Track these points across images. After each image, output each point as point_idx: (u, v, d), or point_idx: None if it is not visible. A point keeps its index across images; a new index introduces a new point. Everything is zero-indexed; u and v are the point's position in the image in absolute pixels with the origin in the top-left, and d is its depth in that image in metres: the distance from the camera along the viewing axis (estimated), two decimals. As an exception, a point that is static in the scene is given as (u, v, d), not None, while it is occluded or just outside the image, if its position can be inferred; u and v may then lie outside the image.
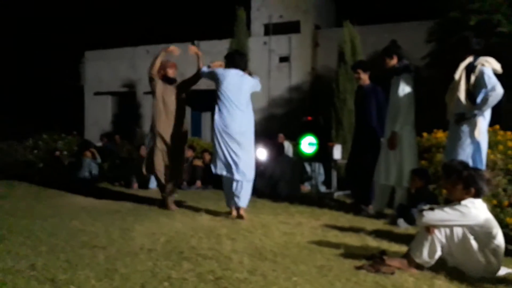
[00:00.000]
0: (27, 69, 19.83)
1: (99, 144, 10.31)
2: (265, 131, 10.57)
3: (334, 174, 6.47)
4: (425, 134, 5.88)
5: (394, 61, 4.60)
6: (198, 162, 7.75)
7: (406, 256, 2.81)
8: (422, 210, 2.79)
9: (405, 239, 3.47)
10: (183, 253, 3.01)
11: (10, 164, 9.18)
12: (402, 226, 4.03)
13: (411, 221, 3.96)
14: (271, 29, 13.48)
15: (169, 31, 16.26)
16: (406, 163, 4.49)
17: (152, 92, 5.08)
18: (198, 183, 7.39)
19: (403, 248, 3.16)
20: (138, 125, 12.28)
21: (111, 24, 19.10)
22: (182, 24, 17.97)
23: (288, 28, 13.36)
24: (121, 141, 9.96)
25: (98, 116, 15.85)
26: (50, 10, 19.60)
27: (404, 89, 4.47)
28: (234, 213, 4.49)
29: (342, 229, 3.96)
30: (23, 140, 9.79)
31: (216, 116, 4.52)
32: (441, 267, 2.75)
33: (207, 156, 7.87)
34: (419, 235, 2.82)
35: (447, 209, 2.74)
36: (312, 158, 6.43)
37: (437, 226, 2.72)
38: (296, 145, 6.74)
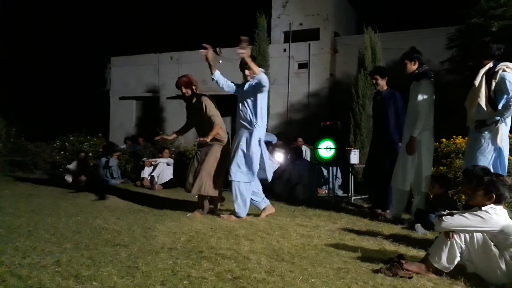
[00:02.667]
0: (57, 75, 20.45)
1: (124, 146, 10.55)
2: (284, 136, 10.60)
3: (351, 179, 6.46)
4: (444, 140, 5.83)
5: (415, 66, 4.57)
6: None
7: (425, 261, 2.79)
8: (441, 216, 2.77)
9: (423, 244, 3.46)
10: (202, 252, 3.05)
11: (38, 164, 9.49)
12: (420, 231, 4.00)
13: (429, 226, 3.94)
14: (291, 37, 13.56)
15: (192, 38, 16.52)
16: (424, 169, 4.45)
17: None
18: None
19: (421, 253, 3.15)
20: (161, 129, 12.55)
21: (136, 31, 19.56)
22: (205, 31, 18.23)
23: (308, 35, 13.41)
24: (145, 143, 10.16)
25: (123, 120, 16.18)
26: (78, 18, 20.19)
27: (424, 94, 4.43)
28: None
29: (359, 232, 3.96)
30: (51, 141, 10.08)
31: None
32: (460, 273, 2.71)
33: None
34: (438, 240, 2.80)
35: (467, 214, 2.71)
36: (329, 163, 6.42)
37: (457, 232, 2.70)
38: (314, 149, 6.75)
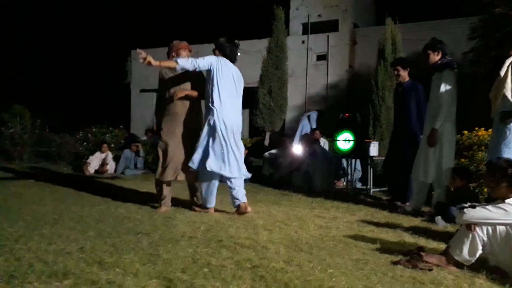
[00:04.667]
0: (80, 69, 20.86)
1: (144, 138, 10.71)
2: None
3: (370, 171, 6.41)
4: (465, 132, 5.72)
5: (438, 57, 4.48)
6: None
7: (445, 253, 2.76)
8: (463, 208, 2.74)
9: (443, 236, 3.42)
10: (222, 241, 3.09)
11: (62, 155, 9.74)
12: (440, 224, 3.96)
13: (449, 219, 3.89)
14: (309, 28, 13.44)
15: (210, 31, 16.59)
16: (445, 161, 4.39)
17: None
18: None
19: (441, 246, 3.12)
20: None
21: (156, 24, 19.75)
22: (223, 24, 18.25)
23: (326, 26, 13.28)
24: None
25: (144, 112, 16.40)
26: (100, 13, 20.49)
27: (447, 85, 4.34)
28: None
29: (378, 224, 3.94)
30: (74, 133, 10.31)
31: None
32: (482, 266, 2.67)
33: (244, 152, 8.04)
34: (459, 233, 2.77)
35: (490, 207, 2.67)
36: (348, 155, 6.38)
37: (479, 224, 2.67)
38: (332, 141, 6.73)
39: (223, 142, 4.11)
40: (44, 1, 21.80)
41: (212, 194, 4.28)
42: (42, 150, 10.31)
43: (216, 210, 4.37)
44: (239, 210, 4.18)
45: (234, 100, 4.34)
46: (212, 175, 4.20)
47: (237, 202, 4.19)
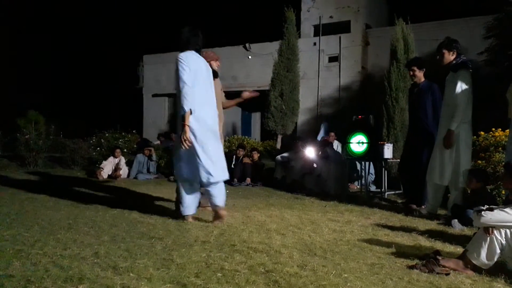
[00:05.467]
0: (92, 74, 21.17)
1: (157, 142, 10.80)
2: (315, 130, 10.54)
3: (384, 173, 6.34)
4: (482, 133, 5.62)
5: (453, 57, 4.41)
6: (247, 160, 7.97)
7: (462, 257, 2.71)
8: (480, 211, 2.68)
9: (460, 240, 3.36)
10: (235, 246, 3.08)
11: (76, 160, 9.87)
12: (457, 227, 3.89)
13: (466, 222, 3.83)
14: (321, 30, 13.41)
15: (221, 35, 16.70)
16: (462, 163, 4.31)
17: None
18: (248, 179, 7.61)
19: (458, 250, 3.07)
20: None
21: (167, 29, 19.92)
22: (234, 28, 18.35)
23: (338, 28, 13.23)
24: (177, 139, 10.31)
25: (156, 117, 16.57)
26: (111, 19, 20.77)
27: (462, 86, 4.27)
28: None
29: (393, 228, 3.89)
30: (88, 138, 10.44)
31: None
32: (500, 270, 2.62)
33: (255, 155, 8.11)
34: (477, 236, 2.72)
35: (508, 209, 2.61)
36: (362, 157, 6.32)
37: (497, 227, 2.61)
38: (346, 143, 6.68)
39: (196, 146, 3.80)
40: (57, 8, 22.21)
41: (188, 201, 4.01)
42: (56, 156, 10.47)
43: (228, 214, 4.35)
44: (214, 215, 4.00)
45: (209, 96, 4.00)
46: (187, 181, 4.00)
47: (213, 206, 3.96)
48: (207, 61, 4.28)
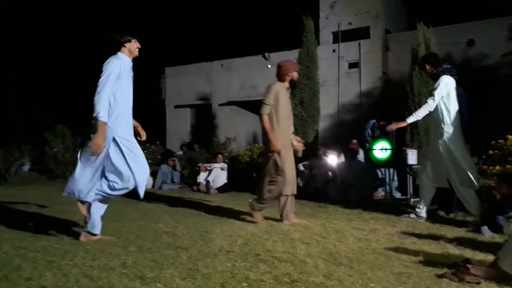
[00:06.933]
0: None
1: (180, 152, 10.94)
2: (336, 137, 10.45)
3: (410, 180, 6.23)
4: (510, 137, 5.47)
5: (432, 69, 4.72)
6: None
7: (493, 265, 2.64)
8: (511, 217, 2.61)
9: (491, 248, 3.26)
10: (259, 255, 3.09)
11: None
12: (487, 234, 3.79)
13: (496, 229, 3.72)
14: (340, 36, 13.37)
15: (240, 45, 16.88)
16: (462, 162, 4.45)
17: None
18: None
19: (489, 258, 2.98)
20: (214, 135, 12.95)
21: (188, 40, 20.31)
22: (253, 37, 18.51)
23: (357, 34, 13.16)
24: (200, 149, 10.43)
25: (178, 127, 16.79)
26: (133, 31, 21.30)
27: (437, 88, 4.53)
28: None
29: (420, 236, 3.81)
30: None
31: None
32: (534, 278, 2.54)
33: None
34: (508, 243, 2.64)
35: (540, 215, 2.54)
36: (385, 164, 6.23)
37: (529, 234, 2.54)
38: (368, 150, 6.60)
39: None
40: (78, 19, 22.90)
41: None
42: (83, 168, 10.71)
43: (249, 223, 4.39)
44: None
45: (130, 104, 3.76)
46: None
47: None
48: (289, 72, 4.66)
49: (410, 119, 4.83)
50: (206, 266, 2.80)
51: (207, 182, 8.13)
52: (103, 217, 4.76)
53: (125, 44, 3.67)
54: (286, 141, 4.54)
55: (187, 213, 5.23)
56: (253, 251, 3.22)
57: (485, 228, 3.85)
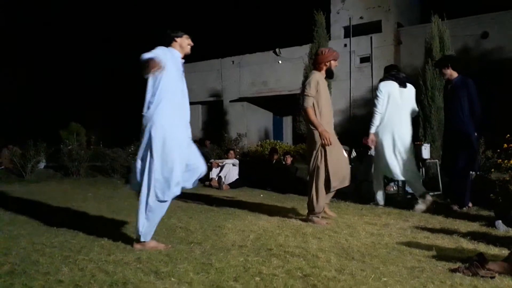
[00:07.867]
0: (129, 84, 21.89)
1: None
2: (347, 132, 10.41)
3: (423, 174, 6.17)
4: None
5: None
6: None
7: (508, 259, 2.61)
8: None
9: (505, 242, 3.24)
10: (271, 250, 3.11)
11: (115, 169, 10.22)
12: (502, 229, 3.75)
13: (511, 223, 3.68)
14: (351, 31, 13.28)
15: (251, 41, 16.86)
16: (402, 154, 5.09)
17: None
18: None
19: (504, 252, 2.96)
20: (225, 131, 13.00)
21: (198, 37, 20.39)
22: (263, 33, 18.48)
23: (369, 28, 13.06)
24: (211, 145, 10.47)
25: (190, 124, 16.92)
26: (144, 28, 21.42)
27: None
28: None
29: (433, 230, 3.79)
30: (126, 147, 10.81)
31: None
32: (550, 273, 2.51)
33: (288, 159, 8.11)
34: (522, 238, 2.62)
35: (555, 209, 2.51)
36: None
37: (544, 228, 2.51)
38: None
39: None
40: (93, 22, 23.12)
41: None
42: (97, 165, 10.88)
43: (262, 218, 4.41)
44: None
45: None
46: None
47: None
48: (327, 60, 4.36)
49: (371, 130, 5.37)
50: (219, 260, 2.83)
51: (219, 177, 8.18)
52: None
53: (175, 39, 3.51)
54: (332, 133, 4.33)
55: (200, 208, 5.28)
56: (266, 245, 3.24)
57: (499, 222, 3.81)
